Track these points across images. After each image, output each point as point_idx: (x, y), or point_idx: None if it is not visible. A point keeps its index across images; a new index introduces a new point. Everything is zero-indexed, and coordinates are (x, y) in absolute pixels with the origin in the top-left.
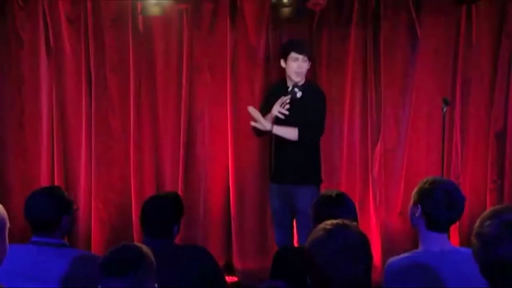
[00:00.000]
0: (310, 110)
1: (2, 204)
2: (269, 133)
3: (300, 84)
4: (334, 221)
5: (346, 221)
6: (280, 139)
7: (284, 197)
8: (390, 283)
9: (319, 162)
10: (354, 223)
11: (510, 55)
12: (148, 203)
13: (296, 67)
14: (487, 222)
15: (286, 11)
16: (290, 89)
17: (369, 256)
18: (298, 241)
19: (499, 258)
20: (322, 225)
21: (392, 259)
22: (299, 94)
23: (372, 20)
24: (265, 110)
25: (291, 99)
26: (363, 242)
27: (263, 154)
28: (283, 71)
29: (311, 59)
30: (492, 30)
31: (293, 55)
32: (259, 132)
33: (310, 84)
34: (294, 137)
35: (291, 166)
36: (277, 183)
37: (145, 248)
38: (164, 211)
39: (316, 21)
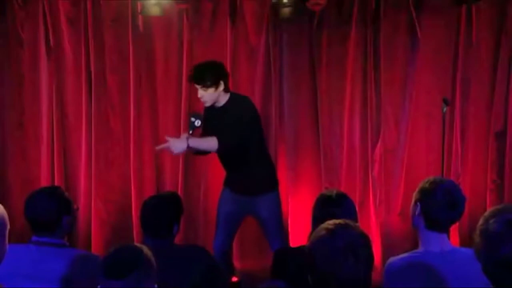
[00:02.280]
0: (231, 119)
1: (2, 204)
2: (195, 150)
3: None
4: (336, 221)
5: (348, 221)
6: (226, 156)
7: (241, 205)
8: (390, 283)
9: (270, 167)
10: (356, 223)
11: (510, 55)
12: (148, 203)
13: (199, 95)
14: (491, 220)
15: (286, 11)
16: (189, 121)
17: (370, 256)
18: (271, 247)
19: (503, 257)
20: (324, 225)
21: (392, 259)
22: (197, 123)
23: (372, 20)
24: (204, 130)
25: (192, 129)
26: (365, 242)
27: None
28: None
29: (209, 85)
30: (492, 30)
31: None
32: (195, 151)
33: (233, 96)
34: (213, 145)
35: (243, 180)
36: (233, 191)
37: (145, 249)
38: (164, 211)
39: (316, 21)
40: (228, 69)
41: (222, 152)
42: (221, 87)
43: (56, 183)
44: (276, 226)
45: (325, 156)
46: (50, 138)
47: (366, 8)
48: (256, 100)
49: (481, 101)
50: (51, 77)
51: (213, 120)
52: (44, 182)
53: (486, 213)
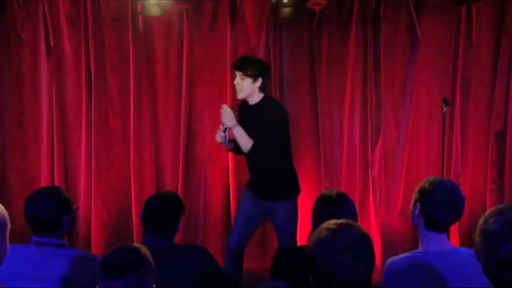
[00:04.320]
0: (261, 121)
1: (2, 204)
2: (231, 146)
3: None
4: (338, 221)
5: (350, 221)
6: (251, 158)
7: (260, 207)
8: (390, 283)
9: (293, 175)
10: (357, 223)
11: (510, 55)
12: (151, 202)
13: (235, 81)
14: (491, 220)
15: (286, 11)
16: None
17: (372, 256)
18: None
19: (503, 256)
20: (325, 225)
21: (392, 259)
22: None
23: (372, 20)
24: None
25: (225, 129)
26: (366, 242)
27: None
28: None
29: (248, 75)
30: (492, 30)
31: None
32: (230, 148)
33: (266, 98)
34: (247, 145)
35: (266, 183)
36: (254, 193)
37: (144, 249)
38: (167, 210)
39: (316, 21)
40: (228, 69)
41: (250, 153)
42: (258, 83)
43: (56, 183)
44: (289, 234)
45: (325, 156)
46: (50, 138)
47: (366, 8)
48: None
49: (481, 101)
50: (51, 77)
51: (245, 119)
52: (44, 182)
53: (487, 213)
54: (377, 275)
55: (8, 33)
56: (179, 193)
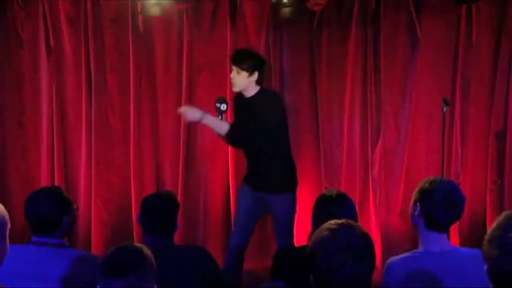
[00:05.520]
0: (254, 111)
1: (2, 204)
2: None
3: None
4: (338, 221)
5: (350, 221)
6: (246, 149)
7: (258, 201)
8: (390, 283)
9: (291, 168)
10: (357, 223)
11: (510, 55)
12: (149, 201)
13: (231, 75)
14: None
15: (286, 11)
16: (215, 107)
17: (372, 256)
18: (278, 245)
19: None
20: (326, 225)
21: (392, 259)
22: (223, 107)
23: (372, 20)
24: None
25: (220, 114)
26: (367, 242)
27: None
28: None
29: (244, 69)
30: (492, 30)
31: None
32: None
33: (263, 90)
34: (223, 129)
35: (263, 177)
36: (251, 186)
37: (145, 249)
38: (165, 209)
39: (316, 21)
40: (228, 69)
41: (236, 141)
42: (254, 77)
43: (56, 183)
44: (285, 227)
45: (325, 156)
46: (50, 138)
47: (366, 8)
48: None
49: (481, 101)
50: (51, 77)
51: (239, 110)
52: (44, 182)
53: (502, 221)
54: (377, 275)
55: (8, 33)
56: (179, 193)
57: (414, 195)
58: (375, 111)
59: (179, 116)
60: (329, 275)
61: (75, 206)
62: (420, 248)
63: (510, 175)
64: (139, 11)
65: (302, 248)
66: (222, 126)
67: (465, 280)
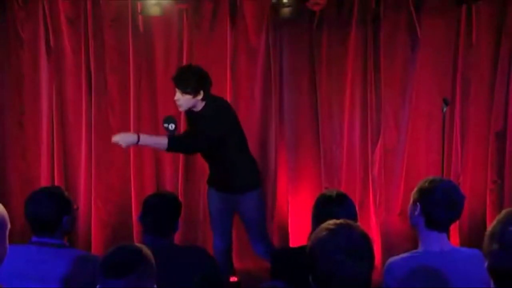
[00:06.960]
0: (204, 123)
1: (2, 204)
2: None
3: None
4: (337, 221)
5: (349, 221)
6: (204, 157)
7: (226, 202)
8: (390, 283)
9: (252, 166)
10: (357, 223)
11: (510, 55)
12: (150, 201)
13: (175, 97)
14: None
15: (286, 11)
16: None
17: (371, 256)
18: (253, 247)
19: None
20: (325, 225)
21: (392, 259)
22: (171, 127)
23: (372, 20)
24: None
25: (169, 135)
26: (366, 242)
27: (261, 155)
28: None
29: (188, 92)
30: (492, 30)
31: None
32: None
33: (208, 103)
34: (163, 145)
35: (225, 180)
36: (216, 190)
37: (145, 249)
38: (166, 209)
39: (316, 21)
40: (228, 69)
41: (178, 152)
42: (200, 96)
43: (56, 183)
44: (257, 226)
45: (325, 156)
46: (50, 138)
47: (366, 8)
48: (256, 100)
49: (481, 101)
50: (51, 77)
51: (192, 124)
52: (44, 182)
53: (503, 216)
54: (377, 275)
55: (8, 33)
56: (179, 193)
57: (413, 195)
58: (375, 111)
59: (179, 116)
60: (328, 275)
61: (75, 206)
62: (420, 248)
63: (510, 175)
64: (139, 11)
65: (301, 248)
66: (160, 142)
67: (465, 280)
